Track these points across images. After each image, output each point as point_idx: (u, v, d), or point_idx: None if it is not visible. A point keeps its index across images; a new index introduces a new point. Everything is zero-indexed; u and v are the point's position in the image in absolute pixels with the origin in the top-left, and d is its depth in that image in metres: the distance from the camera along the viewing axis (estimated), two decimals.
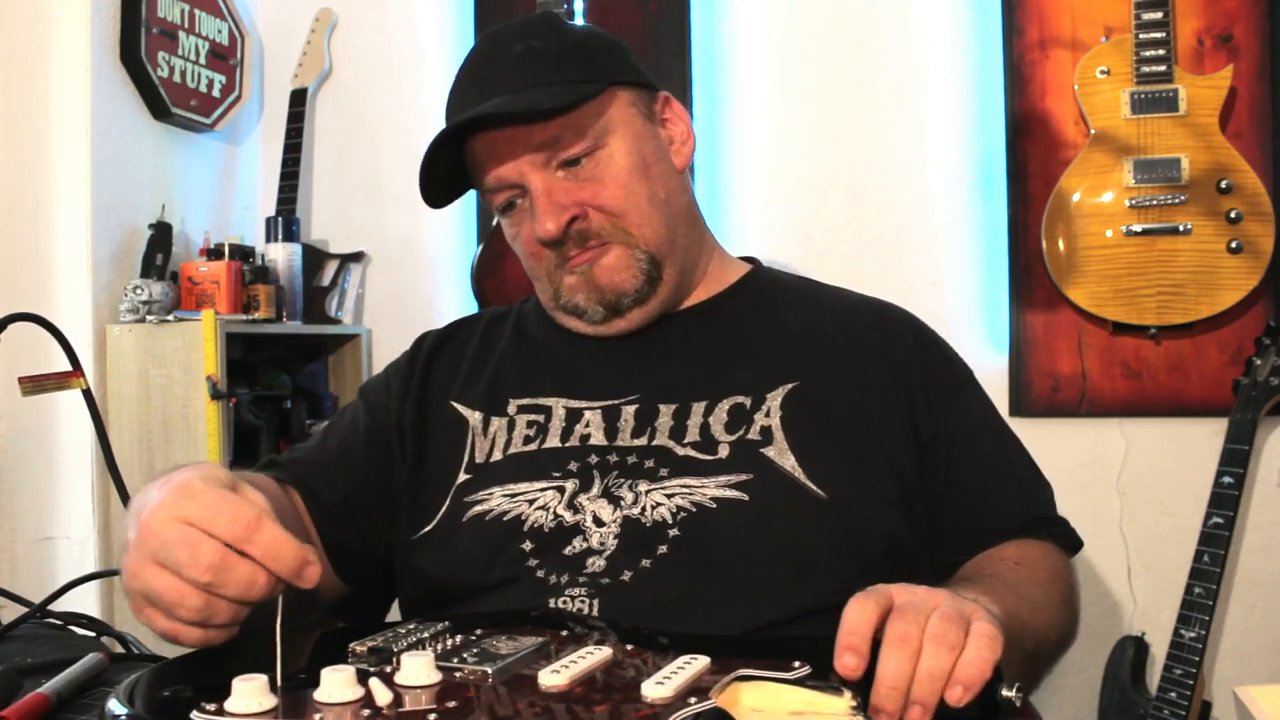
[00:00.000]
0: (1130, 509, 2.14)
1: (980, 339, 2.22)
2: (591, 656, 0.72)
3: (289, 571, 0.70)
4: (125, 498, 1.10)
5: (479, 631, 0.79)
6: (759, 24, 2.38)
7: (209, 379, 2.10)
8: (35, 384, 1.02)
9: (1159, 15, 2.03)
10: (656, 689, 0.64)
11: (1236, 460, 1.87)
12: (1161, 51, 2.03)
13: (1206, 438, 2.07)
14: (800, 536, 0.95)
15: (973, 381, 1.13)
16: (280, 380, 2.44)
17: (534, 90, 1.02)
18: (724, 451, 0.99)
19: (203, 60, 2.46)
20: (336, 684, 0.65)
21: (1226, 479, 1.87)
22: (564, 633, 0.80)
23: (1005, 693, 0.66)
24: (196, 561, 0.68)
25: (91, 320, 2.19)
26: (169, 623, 0.71)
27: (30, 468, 2.21)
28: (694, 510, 0.95)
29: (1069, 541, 1.09)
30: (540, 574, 0.94)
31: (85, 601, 2.07)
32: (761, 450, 0.99)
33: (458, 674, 0.70)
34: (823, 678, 0.67)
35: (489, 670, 0.70)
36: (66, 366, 1.04)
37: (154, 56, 2.30)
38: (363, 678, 0.67)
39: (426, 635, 0.76)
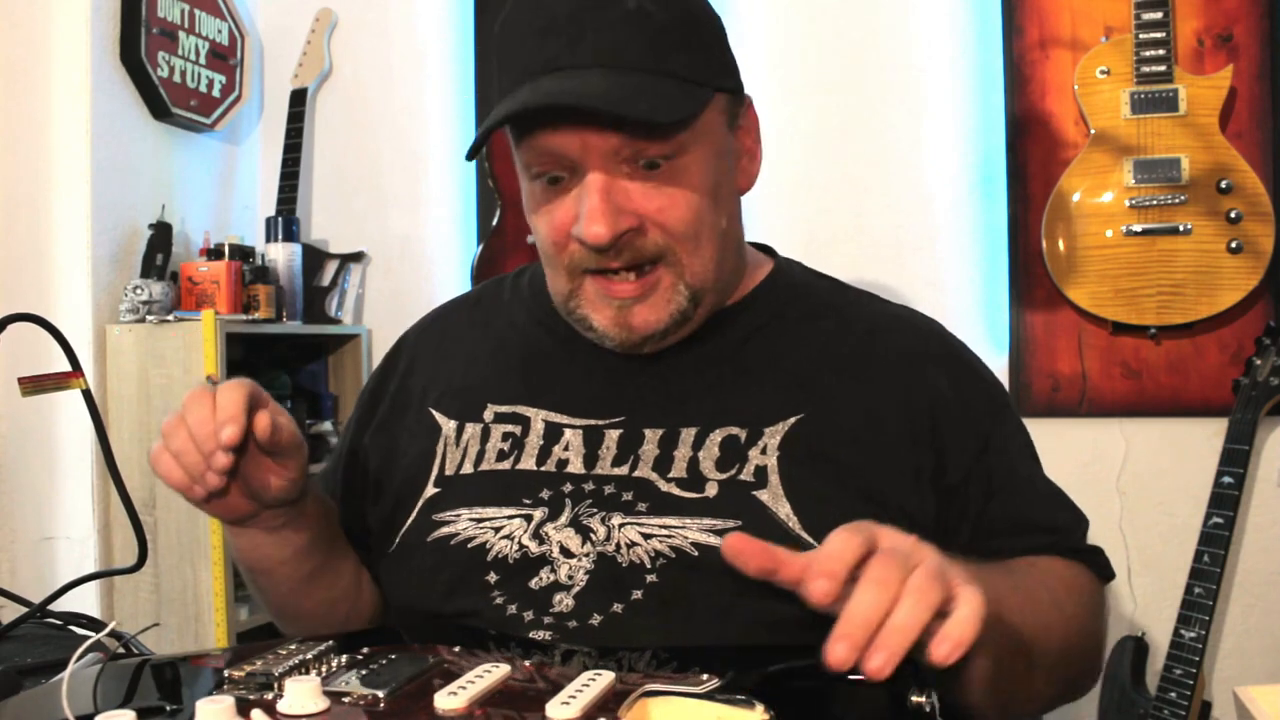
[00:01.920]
0: (1130, 509, 2.14)
1: (980, 339, 2.22)
2: (490, 675, 0.67)
3: (221, 420, 0.82)
4: (125, 498, 1.10)
5: (366, 650, 0.74)
6: (759, 24, 2.38)
7: (209, 379, 2.09)
8: (35, 384, 1.02)
9: (1159, 15, 2.03)
10: (562, 709, 0.61)
11: (1236, 460, 1.87)
12: (1161, 51, 2.03)
13: (1206, 438, 2.07)
14: (788, 594, 0.86)
15: (1006, 411, 1.01)
16: (280, 380, 2.44)
17: (640, 77, 0.86)
18: (711, 490, 0.89)
19: (203, 60, 2.46)
20: (214, 716, 0.60)
21: (1226, 479, 1.87)
22: (457, 648, 0.76)
23: (915, 698, 0.64)
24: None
25: (91, 320, 2.19)
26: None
27: (30, 468, 2.21)
28: (673, 556, 0.87)
29: (1102, 572, 0.99)
30: (499, 602, 0.89)
31: (85, 601, 2.07)
32: (754, 493, 0.89)
33: (346, 699, 0.65)
34: (731, 690, 0.65)
35: (380, 694, 0.65)
36: (66, 367, 1.04)
37: (154, 56, 2.30)
38: (243, 707, 0.62)
39: (310, 656, 0.71)
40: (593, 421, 0.96)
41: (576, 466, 0.94)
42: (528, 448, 0.96)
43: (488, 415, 1.00)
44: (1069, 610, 0.90)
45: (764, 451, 0.91)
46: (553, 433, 0.96)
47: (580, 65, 0.86)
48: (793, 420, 0.92)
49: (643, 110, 0.84)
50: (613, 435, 0.95)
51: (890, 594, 0.63)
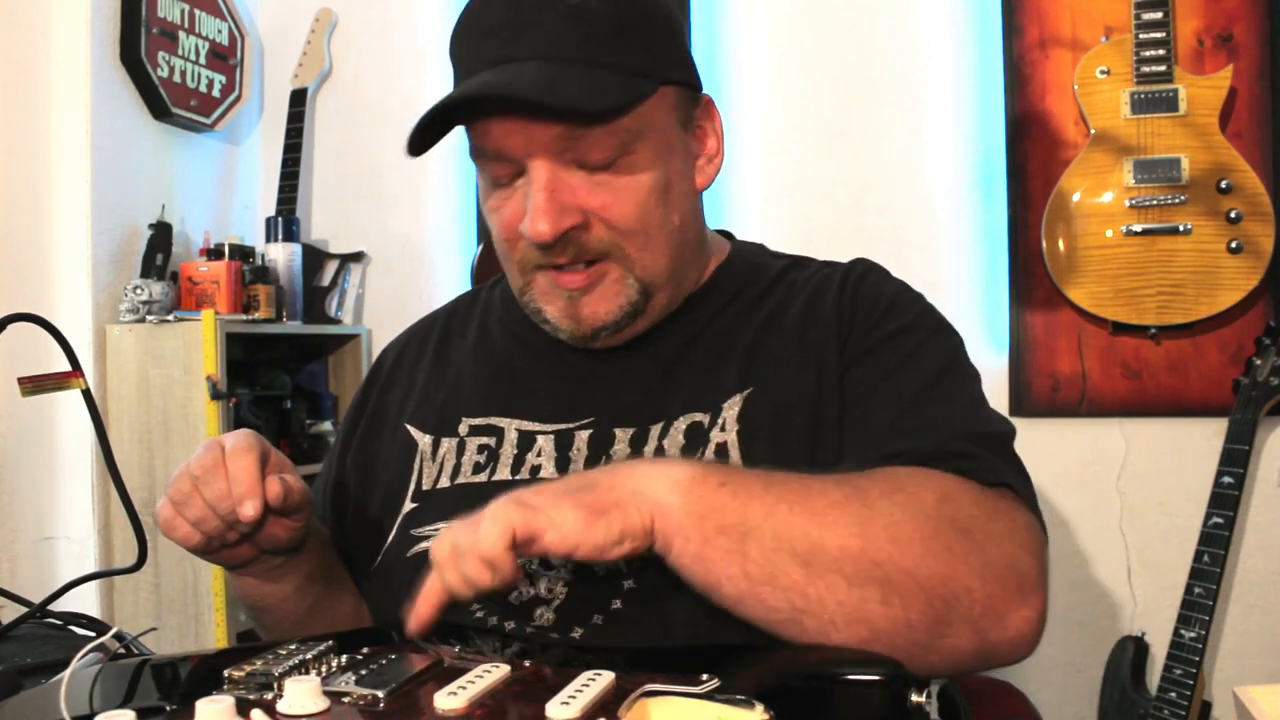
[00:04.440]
0: (1130, 509, 2.14)
1: (980, 339, 2.22)
2: (489, 675, 0.67)
3: (239, 494, 0.83)
4: (125, 498, 1.09)
5: (365, 650, 0.74)
6: (760, 24, 2.38)
7: (209, 379, 2.10)
8: (35, 384, 1.02)
9: (1159, 15, 2.03)
10: (562, 709, 0.61)
11: (1236, 460, 1.87)
12: (1161, 51, 2.03)
13: (1206, 438, 2.07)
14: None
15: (910, 327, 0.96)
16: (280, 380, 2.45)
17: (579, 68, 0.86)
18: None
19: (203, 60, 2.46)
20: (214, 716, 0.60)
21: (1226, 479, 1.87)
22: (457, 648, 0.76)
23: (915, 698, 0.64)
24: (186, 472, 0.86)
25: (91, 320, 2.19)
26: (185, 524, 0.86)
27: (30, 468, 2.21)
28: (650, 556, 0.84)
29: (980, 477, 0.81)
30: (479, 615, 0.89)
31: (85, 601, 2.07)
32: None
33: (346, 699, 0.65)
34: (732, 690, 0.65)
35: (380, 694, 0.65)
36: (66, 367, 1.04)
37: (154, 56, 2.30)
38: (243, 708, 0.62)
39: (309, 656, 0.71)
40: (563, 425, 0.96)
41: (549, 471, 0.94)
42: (502, 458, 0.96)
43: (463, 429, 1.00)
44: (884, 509, 0.75)
45: (723, 429, 0.91)
46: (525, 441, 0.97)
47: (518, 59, 0.87)
48: (745, 393, 0.92)
49: (572, 98, 0.84)
50: (583, 437, 0.95)
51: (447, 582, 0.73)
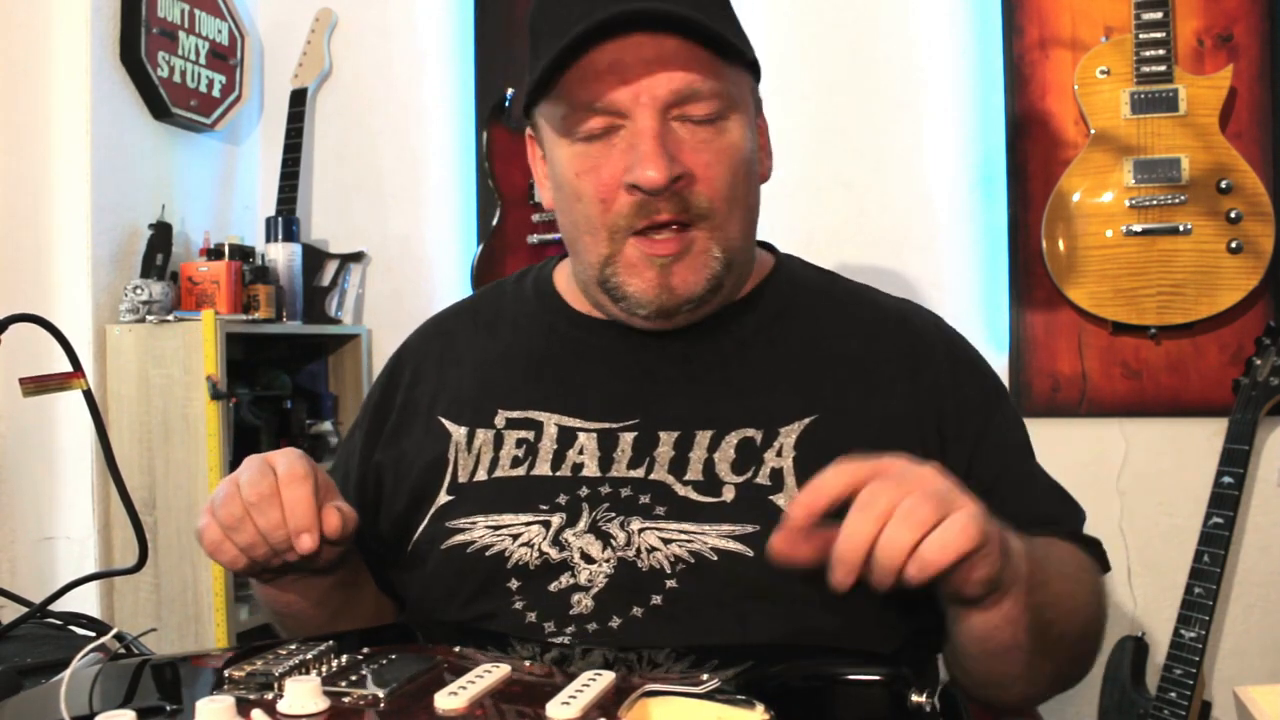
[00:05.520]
0: (1130, 509, 2.14)
1: (980, 339, 2.21)
2: (490, 675, 0.68)
3: (295, 526, 0.83)
4: (125, 498, 1.09)
5: (366, 650, 0.74)
6: (759, 23, 2.38)
7: (209, 379, 2.10)
8: (36, 385, 1.02)
9: (1159, 15, 2.03)
10: (562, 709, 0.62)
11: (1236, 460, 1.87)
12: (1161, 51, 2.03)
13: (1206, 438, 2.06)
14: (806, 599, 0.85)
15: (1003, 404, 1.04)
16: (280, 380, 2.45)
17: (707, 16, 0.90)
18: (728, 494, 0.90)
19: (203, 60, 2.46)
20: (214, 715, 0.60)
21: (1226, 479, 1.87)
22: (457, 648, 0.76)
23: (915, 698, 0.64)
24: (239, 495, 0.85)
25: (91, 320, 2.19)
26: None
27: (30, 468, 2.21)
28: (693, 561, 0.87)
29: (1102, 563, 0.98)
30: (518, 606, 0.90)
31: (85, 601, 2.07)
32: (770, 498, 0.90)
33: (346, 699, 0.65)
34: (732, 691, 0.65)
35: (380, 694, 0.65)
36: (67, 367, 1.04)
37: (154, 56, 2.30)
38: (243, 708, 0.63)
39: (310, 656, 0.71)
40: (607, 425, 0.96)
41: (592, 470, 0.94)
42: (541, 452, 0.96)
43: (499, 421, 1.00)
44: (1090, 596, 0.92)
45: (779, 454, 0.91)
46: (566, 437, 0.96)
47: (648, 1, 0.88)
48: (807, 421, 0.93)
49: (718, 30, 0.88)
50: (627, 438, 0.95)
51: (875, 513, 0.69)
